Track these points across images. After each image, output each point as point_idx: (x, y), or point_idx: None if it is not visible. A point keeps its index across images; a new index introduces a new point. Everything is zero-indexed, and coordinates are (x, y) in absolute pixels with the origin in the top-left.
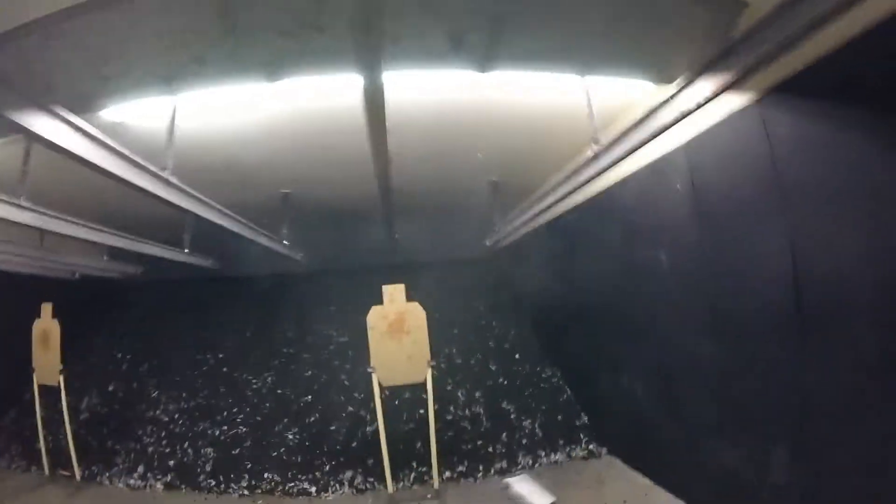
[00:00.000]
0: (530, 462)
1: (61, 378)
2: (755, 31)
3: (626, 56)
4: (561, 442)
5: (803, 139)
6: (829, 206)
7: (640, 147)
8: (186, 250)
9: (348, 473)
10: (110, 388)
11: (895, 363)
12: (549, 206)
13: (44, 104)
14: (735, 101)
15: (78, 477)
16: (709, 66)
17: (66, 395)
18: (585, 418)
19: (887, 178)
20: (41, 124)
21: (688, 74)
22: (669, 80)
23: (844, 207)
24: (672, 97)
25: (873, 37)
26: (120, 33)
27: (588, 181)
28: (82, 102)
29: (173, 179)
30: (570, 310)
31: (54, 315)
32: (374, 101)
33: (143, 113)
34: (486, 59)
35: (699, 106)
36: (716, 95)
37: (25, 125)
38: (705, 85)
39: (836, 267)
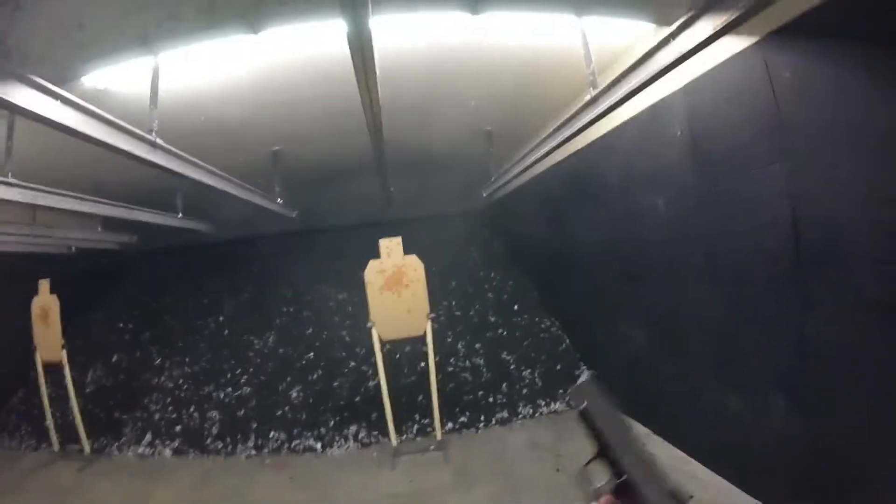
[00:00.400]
0: (531, 411)
1: (64, 353)
2: None
3: None
4: (560, 391)
5: (806, 82)
6: (830, 149)
7: (638, 90)
8: (180, 215)
9: (353, 428)
10: (114, 360)
11: (893, 304)
12: (546, 154)
13: (22, 75)
14: (736, 44)
15: (88, 451)
16: (708, 5)
17: (70, 369)
18: (584, 367)
19: (886, 121)
20: (22, 96)
21: (687, 14)
22: (668, 22)
23: (846, 151)
24: (671, 37)
25: None
26: None
27: (585, 127)
28: (61, 71)
29: (160, 141)
30: (568, 259)
31: (52, 290)
32: (362, 47)
33: (124, 77)
34: None
35: (699, 47)
36: (716, 36)
37: (6, 97)
38: (705, 25)
39: (835, 210)
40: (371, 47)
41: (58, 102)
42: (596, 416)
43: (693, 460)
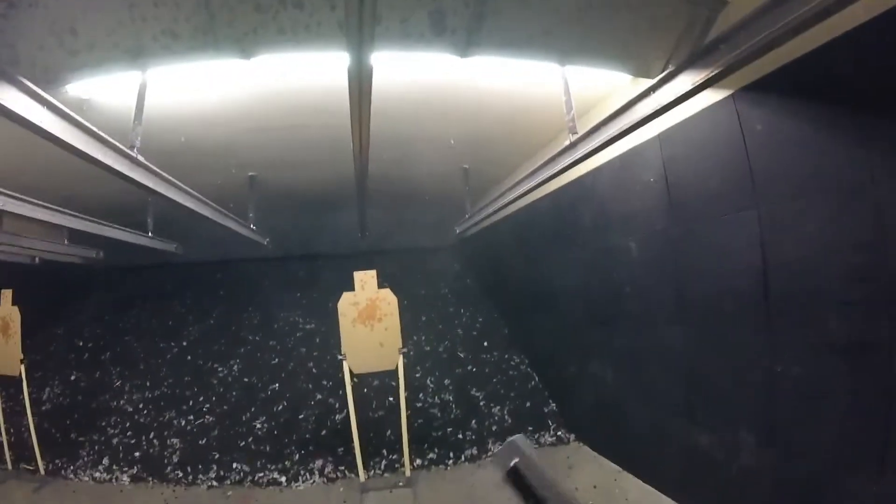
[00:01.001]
0: (500, 448)
1: (22, 368)
2: (735, 29)
3: (604, 47)
4: (530, 428)
5: (776, 134)
6: (797, 197)
7: (617, 138)
8: (150, 234)
9: (318, 462)
10: (72, 378)
11: (858, 348)
12: (522, 195)
13: (9, 75)
14: (711, 96)
15: (42, 471)
16: (688, 62)
17: (28, 385)
18: (553, 405)
19: (853, 174)
20: (7, 96)
21: (669, 69)
22: (647, 74)
23: (812, 199)
24: (651, 90)
25: (845, 42)
26: (90, 2)
27: (562, 170)
28: (48, 76)
29: (141, 158)
30: (540, 297)
31: (14, 302)
32: (360, 81)
33: (108, 89)
34: (467, 43)
35: (677, 101)
36: (694, 92)
37: None
38: (684, 80)
39: (802, 255)
40: (370, 81)
41: (44, 108)
42: (527, 473)
43: (663, 496)
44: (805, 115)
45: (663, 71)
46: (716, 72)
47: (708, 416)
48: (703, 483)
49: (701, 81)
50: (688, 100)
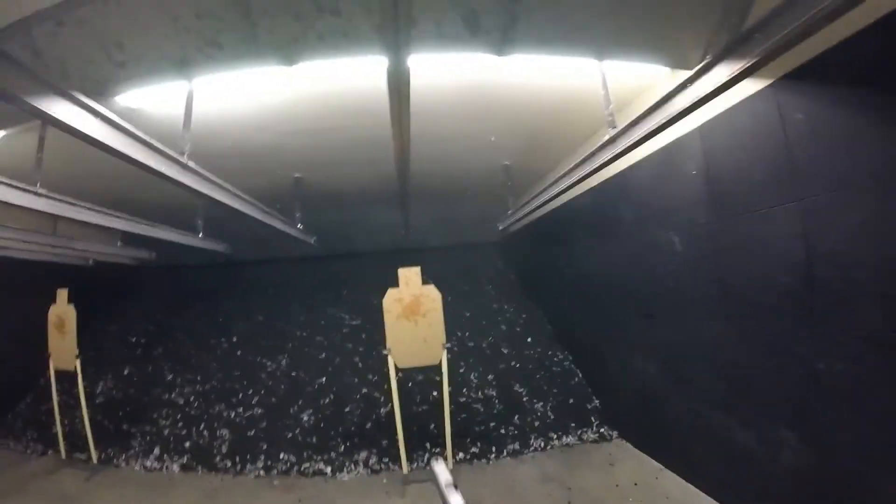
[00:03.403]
0: (542, 444)
1: (77, 363)
2: (770, 16)
3: (641, 40)
4: (572, 425)
5: (817, 123)
6: (840, 188)
7: (656, 132)
8: (200, 235)
9: (363, 454)
10: (125, 372)
11: None
12: (563, 191)
13: (60, 89)
14: (750, 87)
15: (94, 460)
16: (725, 52)
17: (82, 379)
18: (597, 402)
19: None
20: (61, 109)
21: (705, 61)
22: (685, 66)
23: (856, 190)
24: (688, 83)
25: (884, 27)
26: (135, 17)
27: (602, 165)
28: (97, 88)
29: (191, 164)
30: (582, 293)
31: (70, 300)
32: (398, 82)
33: (156, 98)
34: (503, 42)
35: (715, 92)
36: (732, 83)
37: (45, 110)
38: (721, 71)
39: (844, 248)
40: (408, 82)
41: (96, 119)
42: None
43: (704, 494)
44: (846, 102)
45: (701, 62)
46: (753, 61)
47: (749, 413)
48: (744, 482)
49: (738, 71)
50: (726, 91)
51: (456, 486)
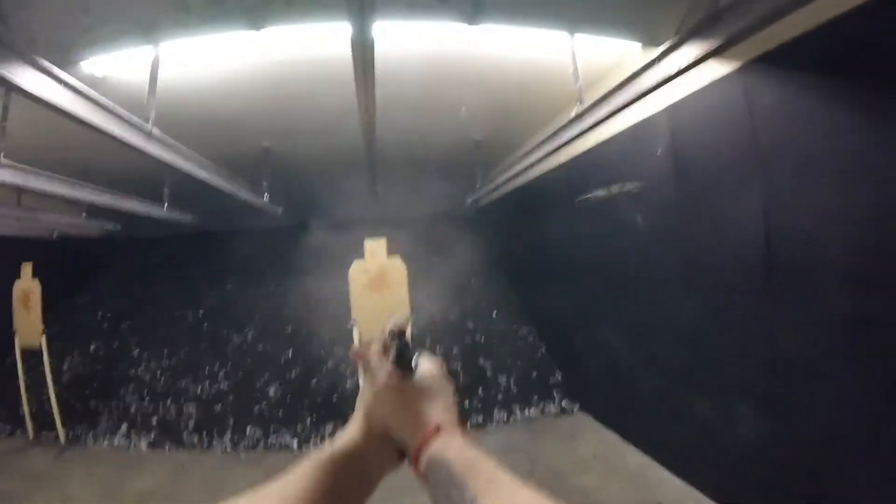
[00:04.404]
0: (505, 416)
1: (43, 339)
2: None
3: (614, 15)
4: (535, 398)
5: (782, 107)
6: (803, 170)
7: (623, 108)
8: (166, 205)
9: (329, 427)
10: (92, 348)
11: (861, 320)
12: (532, 165)
13: (25, 55)
14: (719, 69)
15: (63, 439)
16: (695, 30)
17: (48, 356)
18: (559, 375)
19: (857, 148)
20: (24, 76)
21: (674, 38)
22: (656, 43)
23: (818, 172)
24: (657, 60)
25: (854, 17)
26: None
27: (570, 141)
28: (62, 54)
29: (156, 132)
30: (548, 268)
31: (34, 275)
32: (363, 49)
33: (122, 65)
34: (474, 10)
35: (683, 70)
36: (700, 61)
37: (8, 77)
38: (690, 50)
39: (806, 229)
40: (373, 50)
41: (60, 86)
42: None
43: (662, 468)
44: (811, 89)
45: (670, 41)
46: (722, 41)
47: (711, 387)
48: (703, 457)
49: (707, 52)
50: (694, 69)
51: None
